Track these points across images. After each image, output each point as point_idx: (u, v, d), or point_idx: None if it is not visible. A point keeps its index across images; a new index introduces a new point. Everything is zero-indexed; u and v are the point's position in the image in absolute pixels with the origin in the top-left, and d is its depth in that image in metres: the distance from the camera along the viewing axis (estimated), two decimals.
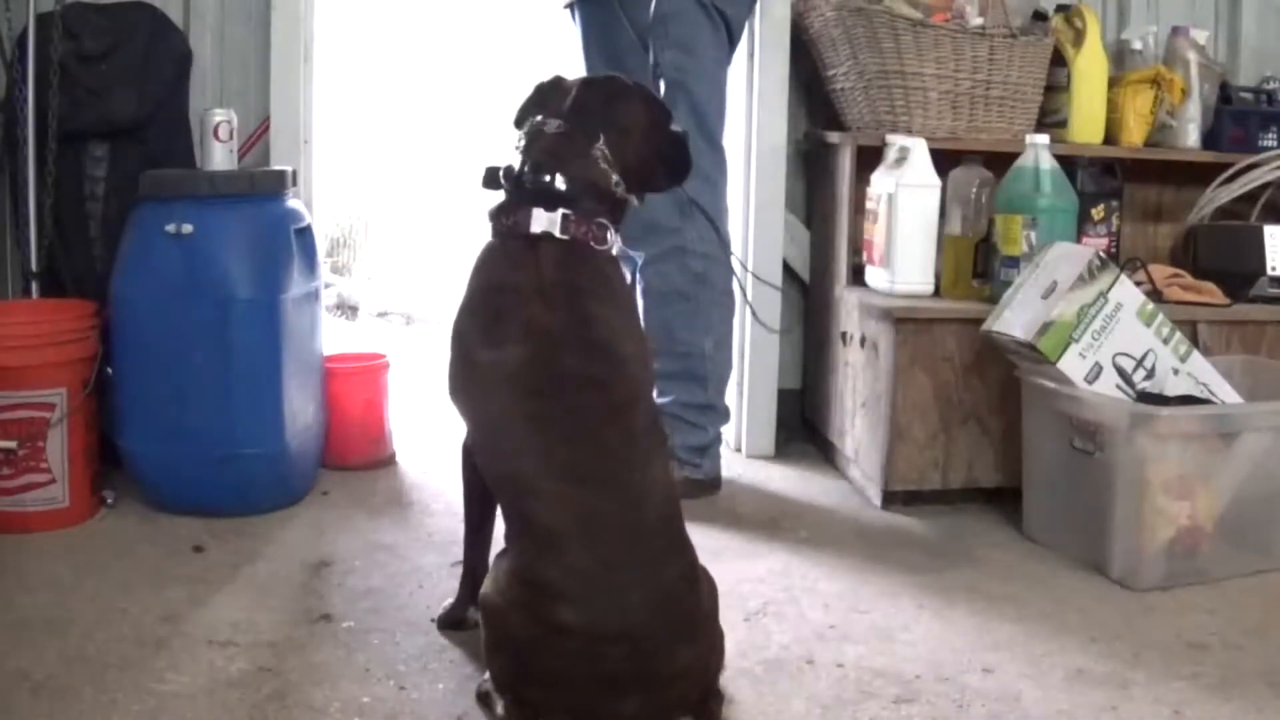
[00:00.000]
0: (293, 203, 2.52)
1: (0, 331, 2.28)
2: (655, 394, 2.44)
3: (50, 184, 2.50)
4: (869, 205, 2.68)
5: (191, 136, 2.64)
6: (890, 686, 1.75)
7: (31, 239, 2.50)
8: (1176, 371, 2.29)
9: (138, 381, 2.36)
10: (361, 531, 2.34)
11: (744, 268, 2.85)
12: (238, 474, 2.36)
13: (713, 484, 2.64)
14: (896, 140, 2.62)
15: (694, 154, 1.88)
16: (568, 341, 1.58)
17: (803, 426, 3.11)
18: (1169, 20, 3.06)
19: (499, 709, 1.55)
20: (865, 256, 2.71)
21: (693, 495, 2.53)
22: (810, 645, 1.88)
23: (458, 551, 1.93)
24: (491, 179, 1.71)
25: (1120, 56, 2.95)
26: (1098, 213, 2.76)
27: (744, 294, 2.67)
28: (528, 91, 1.80)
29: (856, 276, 2.76)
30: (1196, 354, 2.33)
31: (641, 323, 1.89)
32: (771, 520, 2.49)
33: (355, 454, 2.74)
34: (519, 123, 1.77)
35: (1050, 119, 2.81)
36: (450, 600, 1.91)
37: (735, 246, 2.74)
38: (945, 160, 2.62)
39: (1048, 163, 2.51)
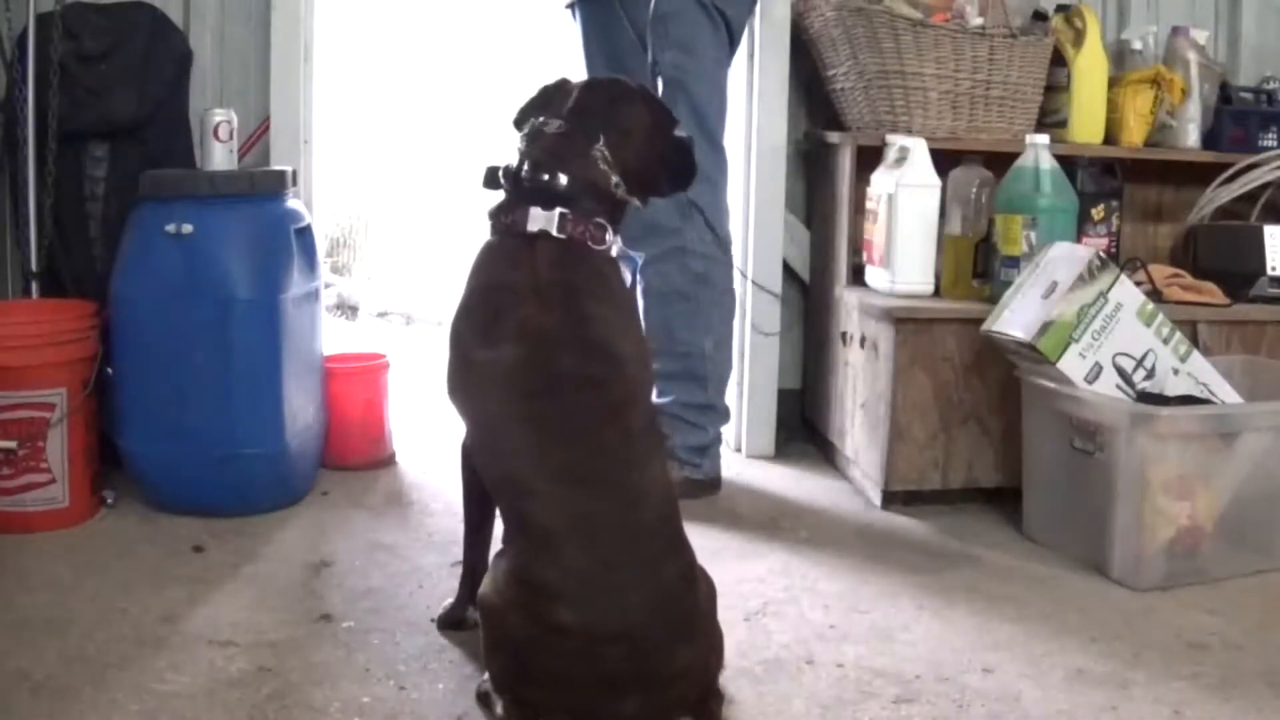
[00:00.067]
0: (293, 203, 2.52)
1: (0, 331, 2.28)
2: (655, 394, 2.46)
3: (50, 184, 2.50)
4: (869, 205, 2.68)
5: (191, 136, 2.64)
6: (890, 686, 1.75)
7: (31, 239, 2.50)
8: (1176, 371, 2.29)
9: (138, 381, 2.36)
10: (361, 531, 2.34)
11: (743, 275, 2.85)
12: (238, 474, 2.36)
13: (713, 484, 2.64)
14: (896, 140, 2.62)
15: (696, 156, 1.88)
16: (563, 341, 1.58)
17: (803, 426, 3.11)
18: (1169, 20, 3.06)
19: (498, 709, 1.56)
20: (865, 256, 2.71)
21: (693, 495, 2.53)
22: (810, 645, 1.88)
23: (457, 551, 1.93)
24: (491, 178, 1.72)
25: (1120, 56, 2.95)
26: (1098, 213, 2.76)
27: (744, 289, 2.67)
28: (532, 92, 1.80)
29: (856, 276, 2.76)
30: (1196, 354, 2.33)
31: (641, 323, 1.89)
32: (771, 520, 2.49)
33: (355, 454, 2.74)
34: (520, 123, 1.77)
35: (1050, 119, 2.81)
36: (450, 600, 1.91)
37: (735, 246, 2.74)
38: (945, 160, 2.62)
39: (1048, 163, 2.51)
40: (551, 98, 1.76)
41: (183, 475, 2.36)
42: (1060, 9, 2.84)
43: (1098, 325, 2.24)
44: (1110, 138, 2.84)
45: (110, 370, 2.38)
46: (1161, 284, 2.65)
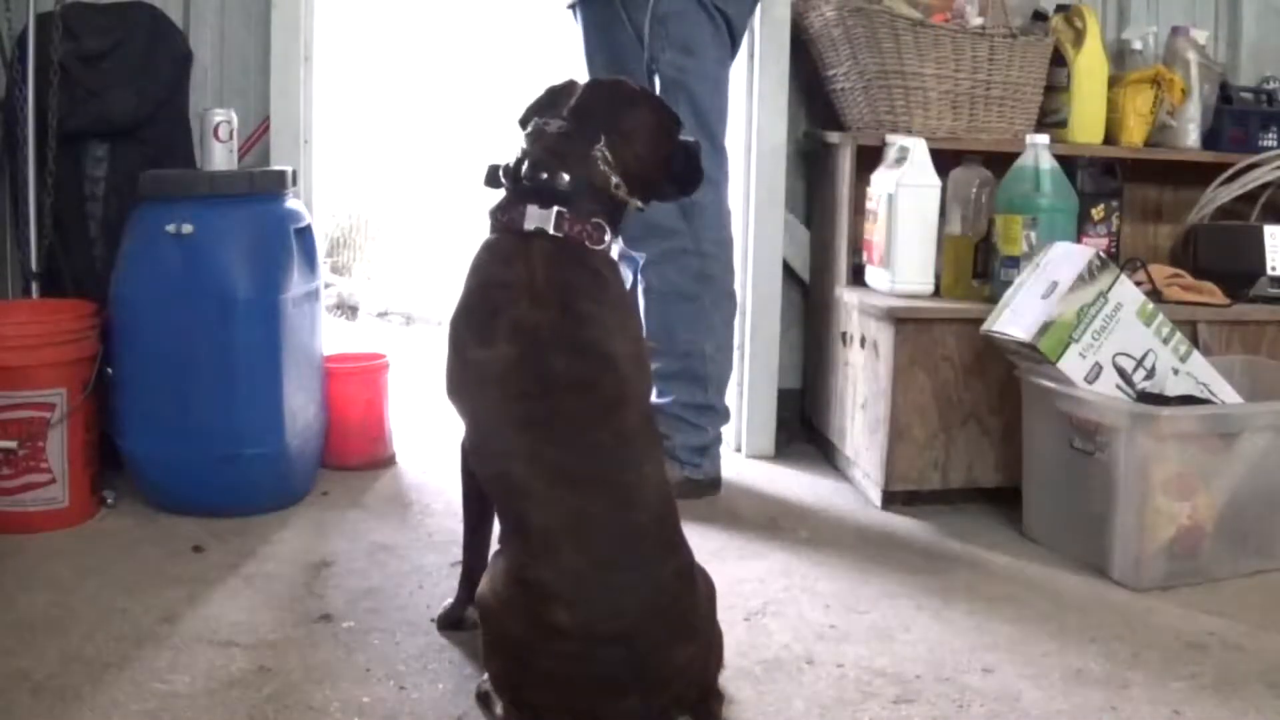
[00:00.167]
0: (293, 203, 2.52)
1: (0, 331, 2.28)
2: (656, 394, 2.46)
3: (50, 184, 2.50)
4: (869, 205, 2.68)
5: (191, 136, 2.64)
6: (890, 686, 1.75)
7: (31, 239, 2.50)
8: (1176, 371, 2.29)
9: (138, 381, 2.36)
10: (361, 531, 2.34)
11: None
12: (238, 474, 2.36)
13: (713, 484, 2.64)
14: (896, 140, 2.62)
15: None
16: (557, 341, 1.58)
17: (803, 426, 3.11)
18: (1169, 20, 3.06)
19: (498, 709, 1.56)
20: (865, 256, 2.71)
21: (693, 495, 2.53)
22: (810, 645, 1.88)
23: (457, 551, 1.93)
24: (492, 177, 1.73)
25: (1120, 56, 2.95)
26: (1098, 213, 2.75)
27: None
28: (538, 92, 1.81)
29: (856, 276, 2.76)
30: (1196, 354, 2.34)
31: (640, 323, 1.89)
32: (771, 520, 2.49)
33: (355, 454, 2.74)
34: (524, 122, 1.77)
35: (1050, 119, 2.81)
36: (450, 600, 1.91)
37: (735, 246, 2.74)
38: (945, 160, 2.62)
39: (1048, 163, 2.51)
40: (557, 98, 1.77)
41: (183, 475, 2.36)
42: (1060, 9, 2.84)
43: (1098, 325, 2.24)
44: (1110, 138, 2.84)
45: (110, 370, 2.38)
46: (1161, 284, 2.65)
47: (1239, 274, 2.73)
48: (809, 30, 2.84)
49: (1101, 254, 2.32)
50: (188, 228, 2.30)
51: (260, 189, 2.43)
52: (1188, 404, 2.24)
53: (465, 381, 1.66)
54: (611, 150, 1.70)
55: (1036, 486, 2.40)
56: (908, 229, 2.57)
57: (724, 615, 1.68)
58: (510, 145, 1.76)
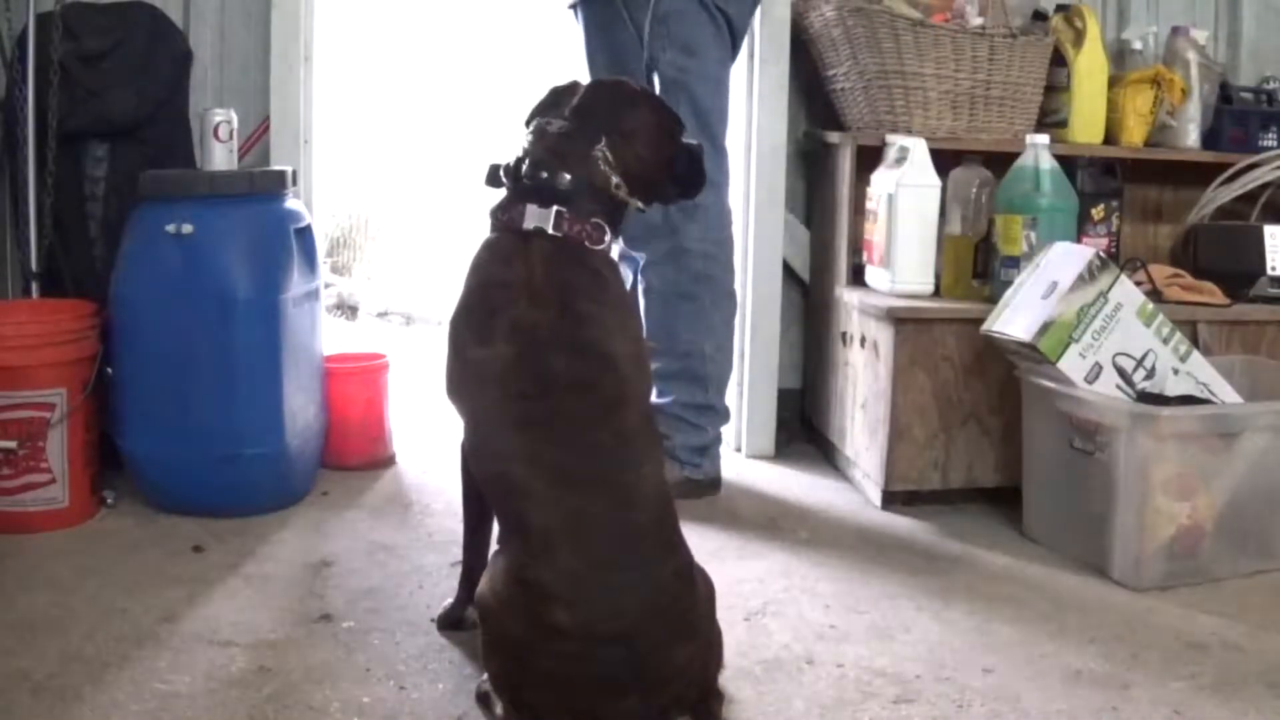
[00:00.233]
0: (293, 203, 2.52)
1: (0, 331, 2.28)
2: (656, 394, 2.46)
3: (50, 184, 2.50)
4: (869, 205, 2.68)
5: (191, 136, 2.64)
6: (890, 686, 1.75)
7: (31, 239, 2.50)
8: (1176, 371, 2.29)
9: (138, 381, 2.36)
10: (361, 531, 2.34)
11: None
12: (238, 474, 2.36)
13: (713, 484, 2.64)
14: (896, 140, 2.62)
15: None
16: (555, 341, 1.58)
17: (803, 426, 3.11)
18: (1169, 20, 3.06)
19: (498, 709, 1.56)
20: (865, 256, 2.71)
21: (693, 495, 2.54)
22: (810, 645, 1.88)
23: (457, 551, 1.93)
24: (493, 176, 1.73)
25: (1120, 56, 2.95)
26: (1098, 213, 2.75)
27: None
28: (542, 92, 1.81)
29: (856, 276, 2.76)
30: (1196, 354, 2.34)
31: (640, 323, 1.88)
32: (771, 520, 2.49)
33: (355, 454, 2.74)
34: (527, 122, 1.78)
35: (1050, 119, 2.81)
36: (450, 600, 1.91)
37: (735, 246, 2.74)
38: (945, 160, 2.62)
39: (1048, 163, 2.51)
40: (561, 98, 1.77)
41: (183, 475, 2.36)
42: (1060, 9, 2.84)
43: (1098, 325, 2.24)
44: (1110, 138, 2.84)
45: (110, 370, 2.38)
46: (1161, 284, 2.65)
47: (1239, 274, 2.73)
48: (809, 30, 2.84)
49: (1101, 254, 2.32)
50: (188, 228, 2.30)
51: (260, 189, 2.43)
52: (1188, 404, 2.24)
53: (464, 381, 1.67)
54: (612, 150, 1.70)
55: (1036, 486, 2.40)
56: (908, 229, 2.57)
57: (724, 615, 1.68)
58: (512, 144, 1.76)
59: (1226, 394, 2.33)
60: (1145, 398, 2.24)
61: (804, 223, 3.07)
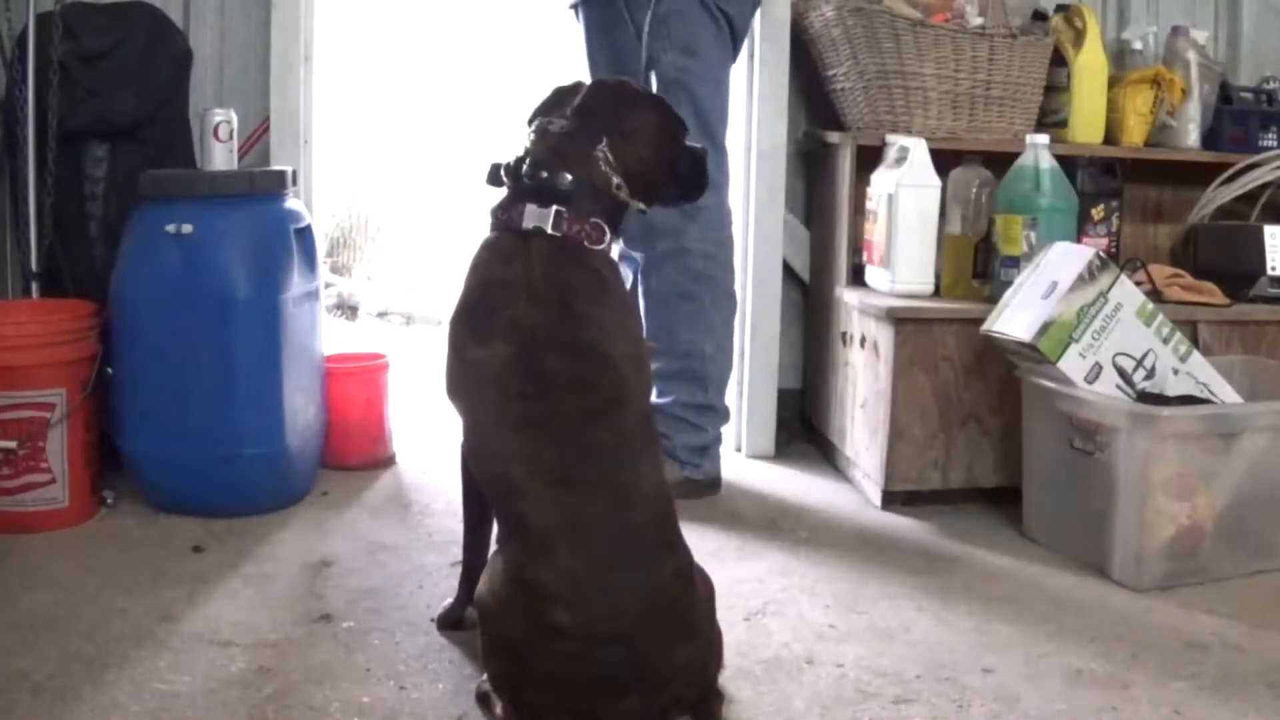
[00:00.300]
0: (293, 203, 2.52)
1: (0, 331, 2.28)
2: (656, 394, 2.46)
3: (50, 184, 2.50)
4: (869, 205, 2.68)
5: (191, 136, 2.64)
6: (890, 686, 1.75)
7: (31, 239, 2.50)
8: (1176, 371, 2.29)
9: (138, 381, 2.36)
10: (361, 531, 2.34)
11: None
12: (238, 474, 2.36)
13: (713, 484, 2.64)
14: (896, 140, 2.62)
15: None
16: (553, 341, 1.58)
17: (803, 426, 3.11)
18: (1169, 20, 3.06)
19: (498, 709, 1.56)
20: (865, 256, 2.71)
21: (693, 495, 2.54)
22: (810, 645, 1.88)
23: (457, 551, 1.93)
24: (494, 176, 1.73)
25: (1120, 56, 2.95)
26: (1098, 213, 2.75)
27: None
28: (545, 93, 1.81)
29: (856, 276, 2.76)
30: (1196, 354, 2.34)
31: (640, 323, 1.88)
32: (771, 520, 2.49)
33: (355, 454, 2.74)
34: (530, 122, 1.78)
35: (1050, 119, 2.81)
36: (450, 600, 1.91)
37: (735, 246, 2.74)
38: (945, 160, 2.62)
39: (1048, 163, 2.51)
40: (564, 98, 1.77)
41: (183, 475, 2.36)
42: (1060, 9, 2.84)
43: (1098, 325, 2.24)
44: (1110, 138, 2.84)
45: (110, 370, 2.38)
46: (1161, 284, 2.65)
47: (1239, 274, 2.73)
48: (809, 30, 2.84)
49: (1101, 254, 2.32)
50: (188, 228, 2.30)
51: (260, 189, 2.43)
52: (1188, 404, 2.24)
53: (464, 381, 1.67)
54: (613, 151, 1.70)
55: (1036, 486, 2.40)
56: (908, 229, 2.57)
57: (724, 615, 1.68)
58: (514, 144, 1.76)
59: (1226, 394, 2.33)
60: (1145, 398, 2.24)
61: (804, 223, 3.07)
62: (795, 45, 2.91)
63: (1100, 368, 2.24)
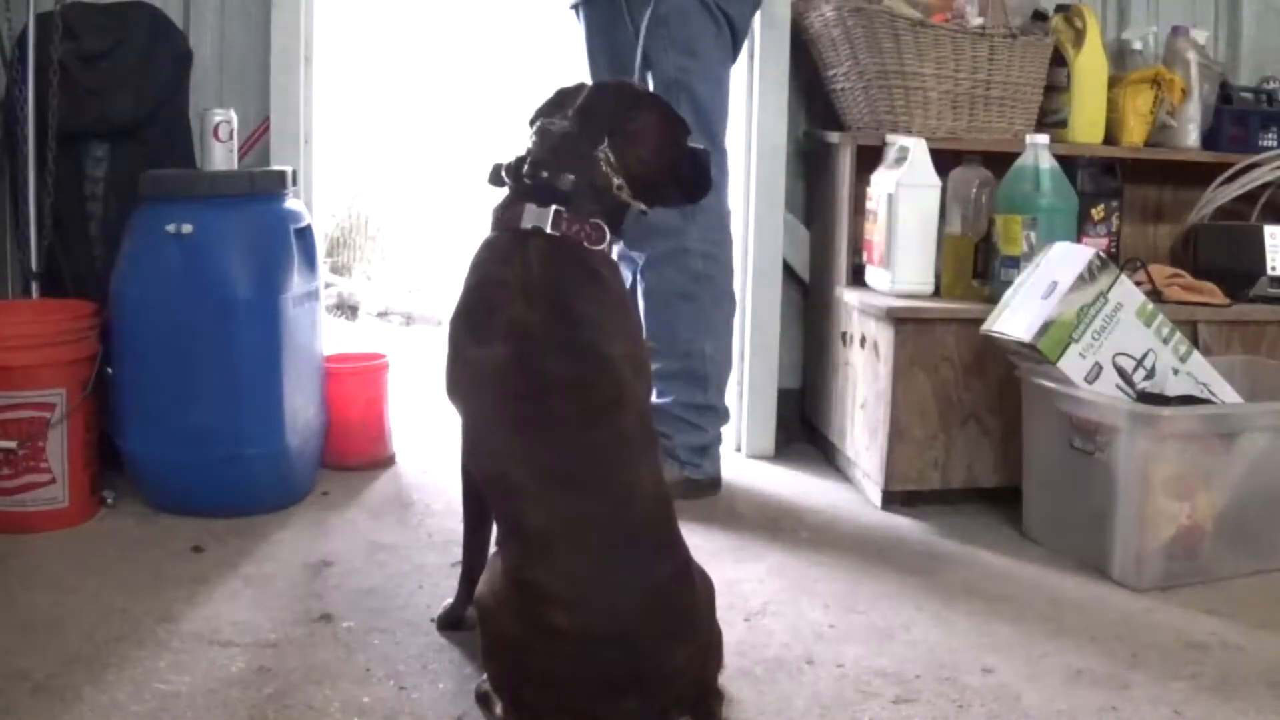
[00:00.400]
0: (293, 203, 2.52)
1: (0, 331, 2.28)
2: (656, 394, 2.46)
3: (50, 184, 2.50)
4: (869, 205, 2.68)
5: (191, 136, 2.64)
6: (890, 686, 1.75)
7: (31, 239, 2.50)
8: (1176, 371, 2.29)
9: (138, 382, 2.36)
10: (361, 531, 2.34)
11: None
12: (238, 474, 2.36)
13: (713, 484, 2.64)
14: (896, 140, 2.62)
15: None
16: (550, 341, 1.58)
17: (803, 426, 3.10)
18: (1169, 20, 3.06)
19: (498, 709, 1.56)
20: (865, 256, 2.71)
21: (692, 496, 2.54)
22: (810, 645, 1.88)
23: (457, 551, 1.93)
24: (496, 176, 1.73)
25: (1120, 56, 2.95)
26: (1098, 213, 2.75)
27: None
28: (548, 93, 1.81)
29: (856, 276, 2.76)
30: (1196, 354, 2.33)
31: (640, 324, 1.88)
32: (771, 521, 2.49)
33: (355, 454, 2.74)
34: (532, 123, 1.78)
35: (1050, 119, 2.81)
36: (450, 600, 1.91)
37: (735, 246, 2.74)
38: (945, 160, 2.62)
39: (1048, 162, 2.51)
40: (566, 99, 1.77)
41: (183, 475, 2.36)
42: (1060, 9, 2.84)
43: (1098, 325, 2.24)
44: (1110, 138, 2.84)
45: (110, 370, 2.38)
46: (1161, 284, 2.65)
47: (1239, 274, 2.73)
48: (809, 30, 2.84)
49: (1101, 254, 2.32)
50: (188, 228, 2.30)
51: (260, 189, 2.43)
52: (1188, 404, 2.24)
53: (463, 381, 1.67)
54: (615, 151, 1.70)
55: (1036, 486, 2.40)
56: (908, 229, 2.57)
57: (724, 615, 1.68)
58: (515, 144, 1.76)
59: (1226, 394, 2.33)
60: (1145, 398, 2.24)
61: (804, 223, 3.07)
62: (795, 45, 2.91)
63: (1100, 368, 2.24)
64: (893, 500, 2.57)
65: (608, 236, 1.68)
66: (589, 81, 1.84)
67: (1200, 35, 2.97)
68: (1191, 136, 2.92)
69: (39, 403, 2.28)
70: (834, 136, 2.84)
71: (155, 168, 2.46)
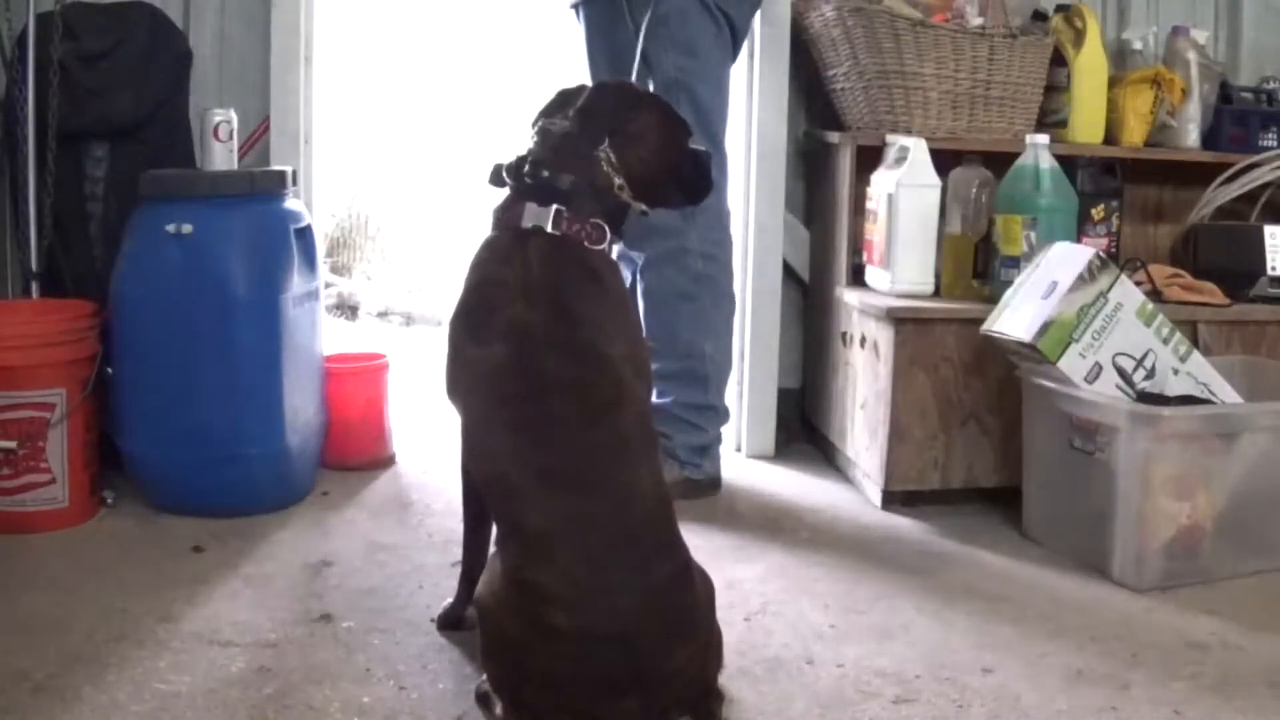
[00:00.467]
0: (293, 203, 2.52)
1: (0, 331, 2.28)
2: (656, 394, 2.46)
3: (50, 184, 2.50)
4: (869, 205, 2.68)
5: (191, 136, 2.64)
6: (890, 686, 1.75)
7: (31, 239, 2.50)
8: (1176, 371, 2.29)
9: (138, 382, 2.36)
10: (361, 531, 2.34)
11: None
12: (238, 474, 2.36)
13: (713, 484, 2.64)
14: (896, 140, 2.62)
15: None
16: (550, 341, 1.58)
17: (803, 426, 3.10)
18: (1169, 20, 3.06)
19: (498, 709, 1.56)
20: (865, 256, 2.71)
21: (693, 496, 2.54)
22: (810, 645, 1.88)
23: (457, 551, 1.93)
24: (497, 176, 1.73)
25: (1120, 56, 2.95)
26: (1098, 213, 2.76)
27: None
28: (550, 95, 1.81)
29: (856, 276, 2.76)
30: (1196, 354, 2.34)
31: (639, 324, 1.88)
32: (771, 520, 2.49)
33: (355, 454, 2.74)
34: (533, 124, 1.78)
35: (1050, 119, 2.81)
36: (450, 600, 1.91)
37: (735, 246, 2.74)
38: (945, 160, 2.62)
39: (1048, 162, 2.51)
40: (568, 101, 1.77)
41: (183, 475, 2.37)
42: (1060, 9, 2.84)
43: (1098, 325, 2.24)
44: (1110, 138, 2.84)
45: (110, 370, 2.38)
46: (1161, 284, 2.65)
47: (1239, 274, 2.73)
48: (809, 30, 2.84)
49: (1101, 254, 2.32)
50: (188, 228, 2.30)
51: (260, 189, 2.43)
52: (1188, 404, 2.24)
53: (463, 381, 1.67)
54: (616, 152, 1.70)
55: (1036, 486, 2.40)
56: (908, 229, 2.57)
57: (724, 615, 1.68)
58: (516, 144, 1.76)
59: (1226, 394, 2.33)
60: (1145, 398, 2.24)
61: (804, 223, 3.07)
62: (795, 45, 2.91)
63: (1100, 368, 2.24)
64: (893, 500, 2.57)
65: (608, 236, 1.68)
66: (589, 82, 1.84)
67: (1200, 35, 2.97)
68: (1191, 136, 2.92)
69: (39, 403, 2.28)
70: (834, 136, 2.84)
71: (155, 168, 2.46)
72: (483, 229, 1.73)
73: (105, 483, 2.42)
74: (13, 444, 2.26)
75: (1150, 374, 2.27)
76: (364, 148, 5.73)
